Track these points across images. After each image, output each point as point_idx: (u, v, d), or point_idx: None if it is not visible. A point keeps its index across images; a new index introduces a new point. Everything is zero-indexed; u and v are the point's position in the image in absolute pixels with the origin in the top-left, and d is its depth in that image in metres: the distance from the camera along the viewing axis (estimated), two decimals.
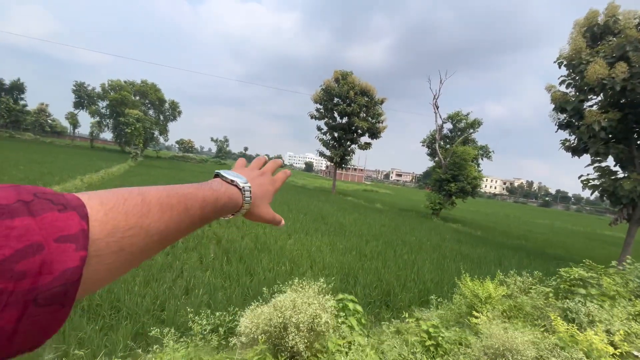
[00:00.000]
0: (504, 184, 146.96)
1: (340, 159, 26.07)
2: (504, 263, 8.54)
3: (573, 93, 10.23)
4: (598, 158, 10.19)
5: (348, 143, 27.11)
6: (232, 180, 0.52)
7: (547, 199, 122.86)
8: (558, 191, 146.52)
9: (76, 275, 0.26)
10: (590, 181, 10.22)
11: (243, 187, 0.53)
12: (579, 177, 10.46)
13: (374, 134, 26.81)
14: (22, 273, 0.22)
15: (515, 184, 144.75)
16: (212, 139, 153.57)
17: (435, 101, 18.18)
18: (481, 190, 18.55)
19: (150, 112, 51.20)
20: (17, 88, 51.16)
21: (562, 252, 12.14)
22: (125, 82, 47.00)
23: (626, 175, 9.51)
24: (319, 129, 26.72)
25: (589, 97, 9.68)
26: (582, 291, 3.30)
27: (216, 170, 0.55)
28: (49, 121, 75.38)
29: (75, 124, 54.43)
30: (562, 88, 10.46)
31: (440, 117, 18.70)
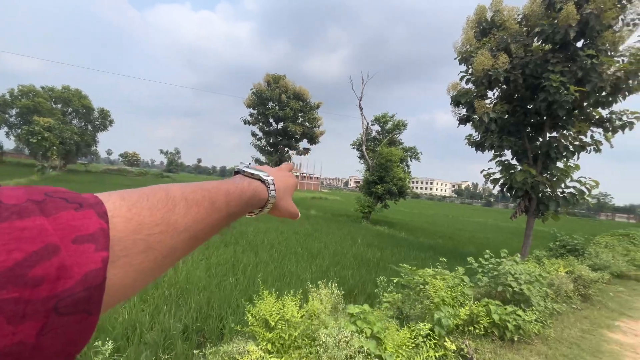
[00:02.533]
0: (453, 186, 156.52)
1: (276, 166, 24.94)
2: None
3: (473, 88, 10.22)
4: (498, 152, 10.24)
5: (286, 149, 26.18)
6: (252, 174, 0.50)
7: (490, 199, 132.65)
8: (499, 191, 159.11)
9: (99, 278, 0.23)
10: (492, 175, 10.16)
11: (267, 180, 0.50)
12: (481, 172, 10.39)
13: (312, 138, 26.20)
14: (39, 279, 0.19)
15: (463, 186, 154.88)
16: (161, 151, 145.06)
17: (360, 102, 18.00)
18: (409, 190, 18.50)
19: (75, 121, 46.09)
20: None
21: (475, 249, 12.05)
22: (42, 87, 41.80)
23: (520, 168, 9.52)
24: (254, 134, 25.46)
25: (483, 90, 9.64)
26: (356, 309, 2.46)
27: (236, 168, 0.53)
28: None
29: None
30: (464, 84, 10.44)
31: (365, 118, 18.60)
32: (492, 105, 8.86)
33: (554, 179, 9.20)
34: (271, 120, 25.28)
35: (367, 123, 18.70)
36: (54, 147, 30.62)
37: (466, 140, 10.98)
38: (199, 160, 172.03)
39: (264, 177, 0.50)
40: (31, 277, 0.19)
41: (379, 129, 20.15)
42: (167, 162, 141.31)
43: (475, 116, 9.38)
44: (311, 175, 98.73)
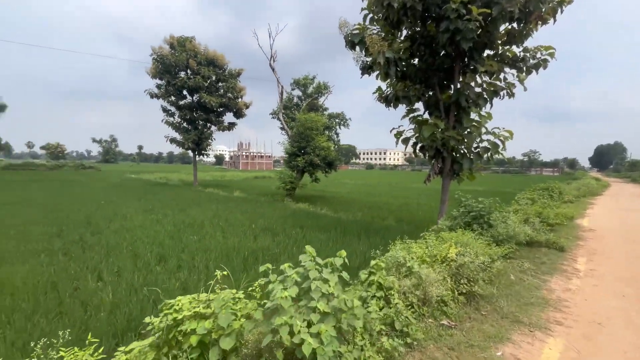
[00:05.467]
0: (405, 155, 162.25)
1: (195, 145, 21.75)
2: (282, 256, 6.09)
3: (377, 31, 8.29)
4: (410, 107, 8.66)
5: (209, 125, 22.93)
6: None
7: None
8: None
9: None
10: (402, 134, 8.56)
11: None
12: (391, 130, 8.77)
13: (237, 111, 23.20)
14: None
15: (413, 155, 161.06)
16: (94, 140, 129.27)
17: (270, 61, 15.39)
18: (338, 160, 16.74)
19: None
20: None
21: (394, 221, 10.76)
22: None
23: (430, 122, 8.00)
24: (165, 110, 21.76)
25: (388, 29, 7.75)
26: None
27: None
28: None
29: None
30: (368, 24, 8.46)
31: (280, 82, 16.13)
32: (388, 43, 7.00)
33: (467, 133, 7.86)
34: (185, 92, 21.71)
35: (282, 86, 16.27)
36: None
37: (376, 95, 9.25)
38: (140, 148, 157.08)
39: None
40: None
41: (300, 94, 17.88)
42: (102, 151, 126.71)
43: (379, 61, 7.50)
44: (262, 154, 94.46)
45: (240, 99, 22.70)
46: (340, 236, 7.78)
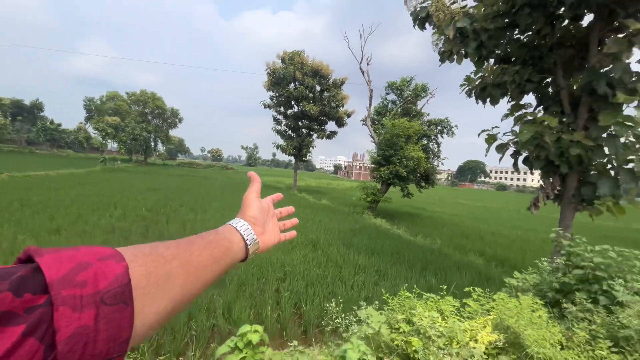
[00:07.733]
0: None
1: (297, 151, 22.96)
2: (292, 279, 5.09)
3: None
4: (514, 101, 6.29)
5: (311, 133, 23.96)
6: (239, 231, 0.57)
7: None
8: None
9: (125, 277, 0.33)
10: (495, 138, 6.19)
11: (236, 226, 0.58)
12: (479, 133, 6.47)
13: (338, 120, 23.34)
14: (83, 282, 0.30)
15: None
16: (242, 147, 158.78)
17: (361, 64, 14.27)
18: (438, 176, 14.13)
19: (156, 120, 52.53)
20: (37, 107, 55.91)
21: (482, 259, 7.99)
22: (126, 92, 48.61)
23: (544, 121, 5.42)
24: (275, 119, 23.94)
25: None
26: None
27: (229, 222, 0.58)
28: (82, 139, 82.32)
29: (87, 137, 57.92)
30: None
31: (370, 85, 14.70)
32: (462, 6, 5.08)
33: (607, 136, 4.89)
34: (293, 102, 23.37)
35: (371, 90, 14.91)
36: (121, 142, 34.94)
37: (464, 86, 7.09)
38: (274, 155, 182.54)
39: (241, 229, 0.58)
40: (78, 281, 0.29)
41: (395, 98, 16.05)
42: (247, 156, 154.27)
43: (447, 33, 5.60)
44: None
45: (341, 108, 22.73)
46: (389, 264, 6.12)
